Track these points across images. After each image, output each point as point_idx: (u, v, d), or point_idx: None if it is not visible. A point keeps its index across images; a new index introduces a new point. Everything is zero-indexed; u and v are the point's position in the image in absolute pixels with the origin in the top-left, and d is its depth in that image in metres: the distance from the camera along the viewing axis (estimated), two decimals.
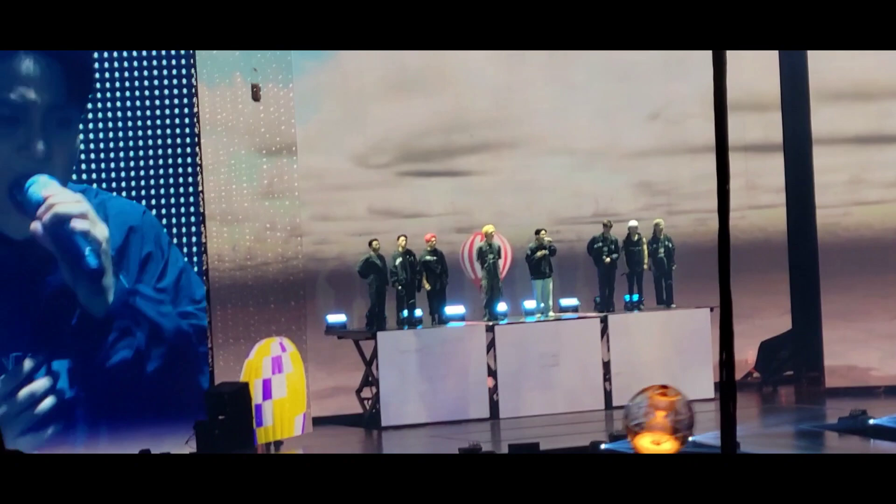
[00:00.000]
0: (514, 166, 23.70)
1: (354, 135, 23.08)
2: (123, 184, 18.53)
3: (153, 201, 18.76)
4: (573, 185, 23.86)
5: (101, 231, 18.00)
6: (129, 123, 18.63)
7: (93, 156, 18.44)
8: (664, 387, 14.11)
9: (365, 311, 21.72)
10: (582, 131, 23.75)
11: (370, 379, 21.30)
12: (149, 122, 18.71)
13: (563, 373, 21.28)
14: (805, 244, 23.00)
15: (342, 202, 23.06)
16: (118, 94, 18.58)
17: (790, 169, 23.51)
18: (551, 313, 22.13)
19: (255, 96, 19.09)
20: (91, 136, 18.43)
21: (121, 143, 18.56)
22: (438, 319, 21.55)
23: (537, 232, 22.11)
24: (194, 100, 18.76)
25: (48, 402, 18.03)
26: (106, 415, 18.33)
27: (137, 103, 18.67)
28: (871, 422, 17.91)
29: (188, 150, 18.78)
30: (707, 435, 16.44)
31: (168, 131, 18.78)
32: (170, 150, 18.75)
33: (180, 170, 18.76)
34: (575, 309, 22.58)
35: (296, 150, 19.78)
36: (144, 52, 18.59)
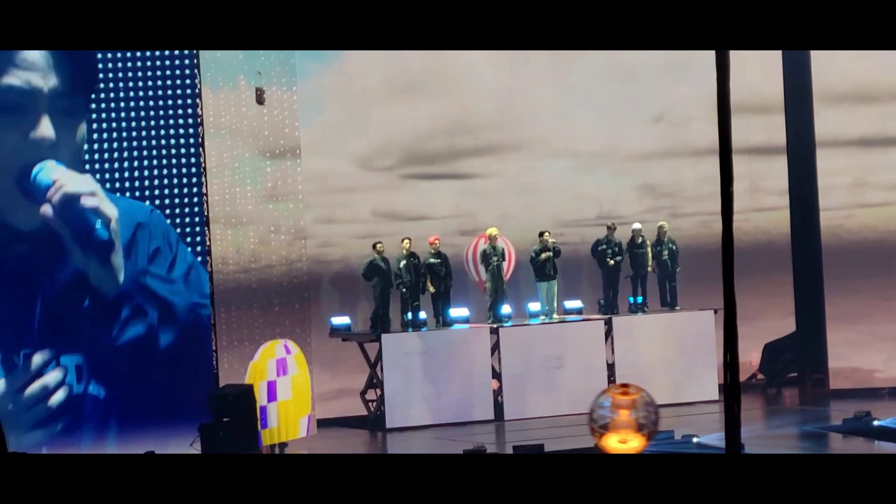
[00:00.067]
0: (517, 169, 23.73)
1: (358, 137, 23.11)
2: (127, 185, 18.53)
3: (157, 203, 18.75)
4: (577, 187, 23.88)
5: (110, 209, 18.05)
6: (133, 125, 18.63)
7: (97, 156, 18.44)
8: (625, 385, 14.22)
9: (369, 314, 21.75)
10: (585, 134, 23.77)
11: (374, 381, 21.32)
12: (153, 125, 18.71)
13: (567, 375, 21.29)
14: (808, 246, 23.01)
15: (346, 205, 23.09)
16: (122, 96, 18.57)
17: (794, 171, 23.52)
18: (555, 315, 22.14)
19: (260, 100, 19.11)
20: (95, 136, 18.43)
21: (124, 145, 18.56)
22: (442, 322, 21.56)
23: (541, 234, 22.12)
24: (198, 102, 18.77)
25: (60, 394, 18.05)
26: (116, 409, 18.31)
27: (141, 104, 18.66)
28: (876, 423, 17.90)
29: (192, 152, 18.78)
30: (711, 436, 16.47)
31: (172, 132, 18.79)
32: (174, 153, 18.75)
33: (184, 171, 18.76)
34: (579, 311, 22.60)
35: (299, 152, 19.80)
36: (148, 55, 18.60)
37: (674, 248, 22.58)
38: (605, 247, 22.42)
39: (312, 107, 21.91)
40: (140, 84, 18.67)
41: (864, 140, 22.57)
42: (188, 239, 18.82)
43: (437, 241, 21.57)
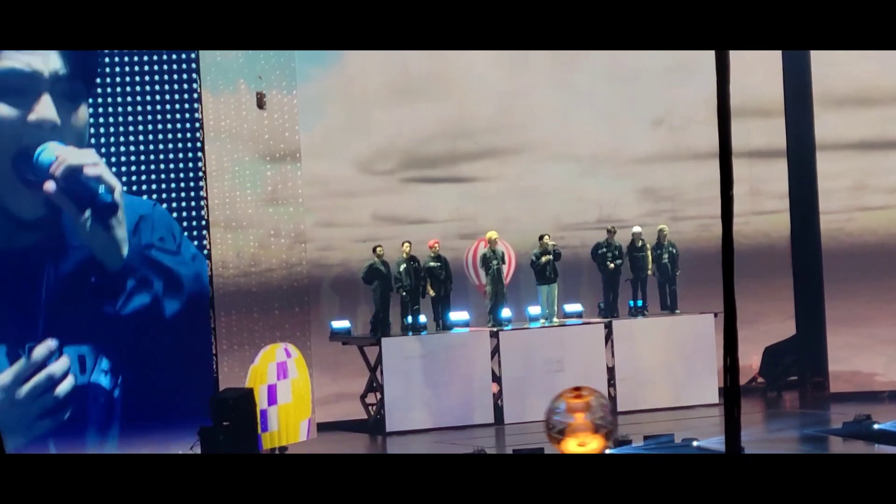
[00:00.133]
0: (518, 172, 23.73)
1: (358, 141, 23.11)
2: (127, 188, 18.53)
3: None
4: (577, 190, 23.88)
5: (113, 180, 18.08)
6: (132, 129, 18.64)
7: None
8: (577, 389, 14.22)
9: (369, 318, 21.74)
10: (586, 137, 23.77)
11: (375, 385, 21.32)
12: (153, 129, 18.73)
13: (567, 378, 21.18)
14: (809, 250, 23.00)
15: (346, 208, 23.08)
16: (121, 100, 18.59)
17: (794, 174, 23.51)
18: (555, 319, 22.14)
19: (261, 104, 19.12)
20: (94, 141, 18.44)
21: (122, 149, 18.56)
22: (443, 325, 21.55)
23: (541, 237, 22.12)
24: (198, 106, 18.78)
25: (67, 384, 18.06)
26: (121, 397, 18.31)
27: (142, 108, 18.68)
28: (876, 427, 17.88)
29: (192, 156, 18.80)
30: (711, 440, 16.46)
31: (172, 136, 18.79)
32: (174, 157, 18.77)
33: (184, 175, 18.77)
34: (579, 315, 22.59)
35: (300, 156, 19.81)
36: (147, 59, 18.61)
37: (674, 251, 22.59)
38: (605, 250, 22.42)
39: (313, 110, 21.91)
40: (141, 88, 18.68)
41: (865, 143, 22.57)
42: None
43: (437, 245, 21.57)
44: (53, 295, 18.13)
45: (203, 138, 18.78)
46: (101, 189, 17.81)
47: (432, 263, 21.44)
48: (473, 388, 21.12)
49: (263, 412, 18.77)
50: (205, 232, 18.72)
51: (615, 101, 23.65)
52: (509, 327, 21.76)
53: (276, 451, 19.00)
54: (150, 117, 18.71)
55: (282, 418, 19.05)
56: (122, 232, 18.04)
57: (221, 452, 17.46)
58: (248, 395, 18.38)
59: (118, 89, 18.59)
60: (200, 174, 18.80)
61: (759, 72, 22.40)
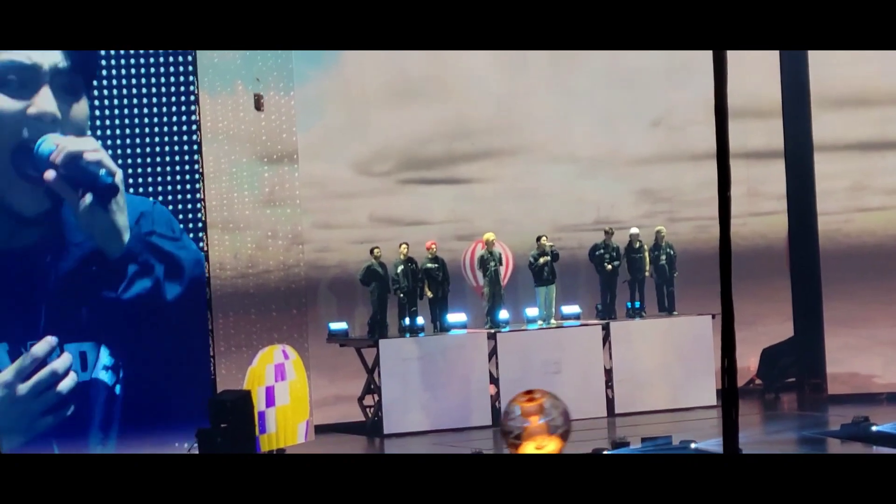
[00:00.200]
0: (515, 174, 23.72)
1: (356, 142, 23.10)
2: (124, 189, 18.51)
3: None
4: (575, 192, 23.87)
5: (113, 165, 18.07)
6: (128, 131, 18.62)
7: None
8: (529, 392, 14.22)
9: (367, 319, 21.72)
10: (583, 138, 23.77)
11: (372, 387, 21.30)
12: (150, 130, 18.71)
13: (565, 380, 21.24)
14: (807, 251, 22.99)
15: (344, 210, 23.07)
16: (118, 101, 18.57)
17: (791, 175, 23.51)
18: (553, 321, 22.12)
19: (258, 106, 19.10)
20: None
21: (118, 151, 18.54)
22: (440, 327, 21.54)
23: (539, 239, 22.10)
24: (195, 107, 18.76)
25: (69, 380, 18.04)
26: (122, 393, 18.30)
27: (139, 109, 18.66)
28: (874, 428, 17.87)
29: (189, 158, 18.78)
30: (709, 442, 16.45)
31: (169, 137, 18.77)
32: (171, 158, 18.75)
33: (181, 177, 18.76)
34: (577, 316, 22.57)
35: (297, 157, 19.79)
36: (143, 61, 18.59)
37: (671, 252, 22.58)
38: (602, 251, 22.42)
39: (310, 112, 21.89)
40: (137, 89, 18.67)
41: (863, 144, 22.57)
42: None
43: (434, 246, 21.55)
44: (55, 292, 18.12)
45: (200, 140, 18.76)
46: (102, 172, 17.81)
47: (430, 265, 21.42)
48: (471, 390, 21.10)
49: (261, 414, 18.76)
50: (202, 233, 18.70)
51: (613, 102, 23.64)
52: (507, 329, 21.74)
53: (275, 453, 18.98)
54: (147, 119, 18.70)
55: (280, 420, 19.03)
56: (123, 219, 18.03)
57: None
58: (246, 396, 18.37)
59: (115, 91, 18.57)
60: (198, 175, 18.78)
61: (756, 73, 22.38)
